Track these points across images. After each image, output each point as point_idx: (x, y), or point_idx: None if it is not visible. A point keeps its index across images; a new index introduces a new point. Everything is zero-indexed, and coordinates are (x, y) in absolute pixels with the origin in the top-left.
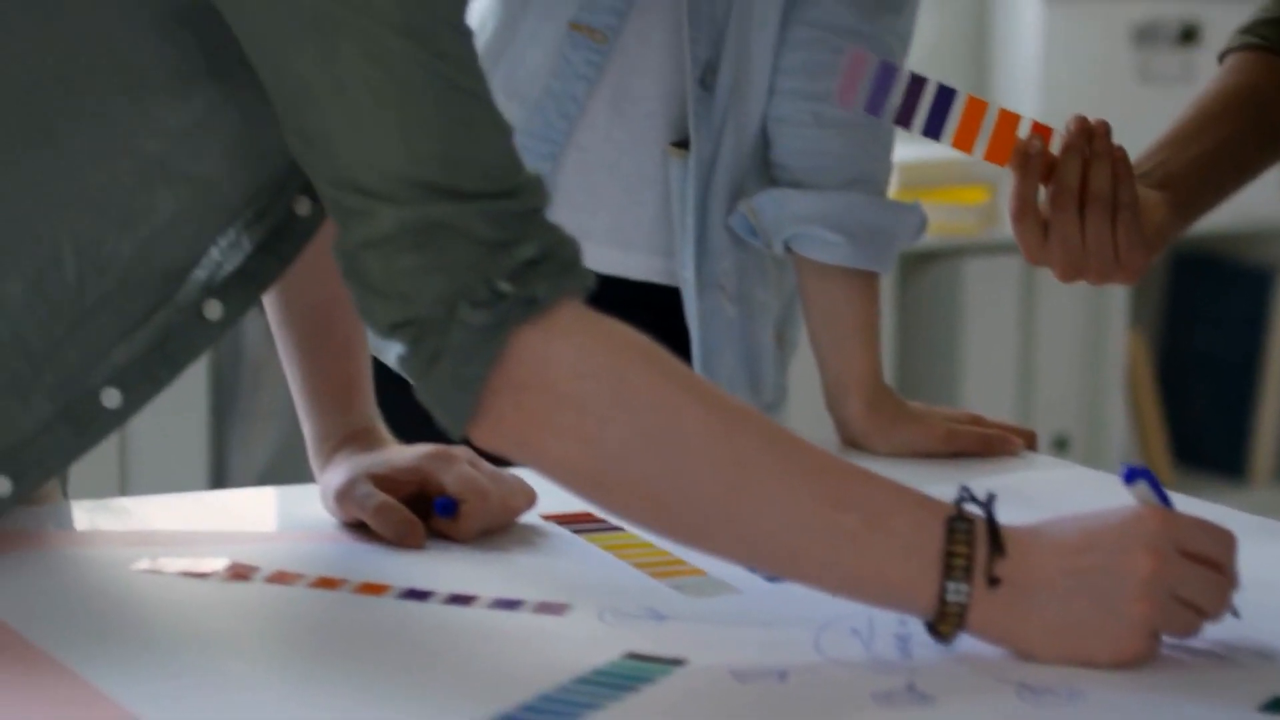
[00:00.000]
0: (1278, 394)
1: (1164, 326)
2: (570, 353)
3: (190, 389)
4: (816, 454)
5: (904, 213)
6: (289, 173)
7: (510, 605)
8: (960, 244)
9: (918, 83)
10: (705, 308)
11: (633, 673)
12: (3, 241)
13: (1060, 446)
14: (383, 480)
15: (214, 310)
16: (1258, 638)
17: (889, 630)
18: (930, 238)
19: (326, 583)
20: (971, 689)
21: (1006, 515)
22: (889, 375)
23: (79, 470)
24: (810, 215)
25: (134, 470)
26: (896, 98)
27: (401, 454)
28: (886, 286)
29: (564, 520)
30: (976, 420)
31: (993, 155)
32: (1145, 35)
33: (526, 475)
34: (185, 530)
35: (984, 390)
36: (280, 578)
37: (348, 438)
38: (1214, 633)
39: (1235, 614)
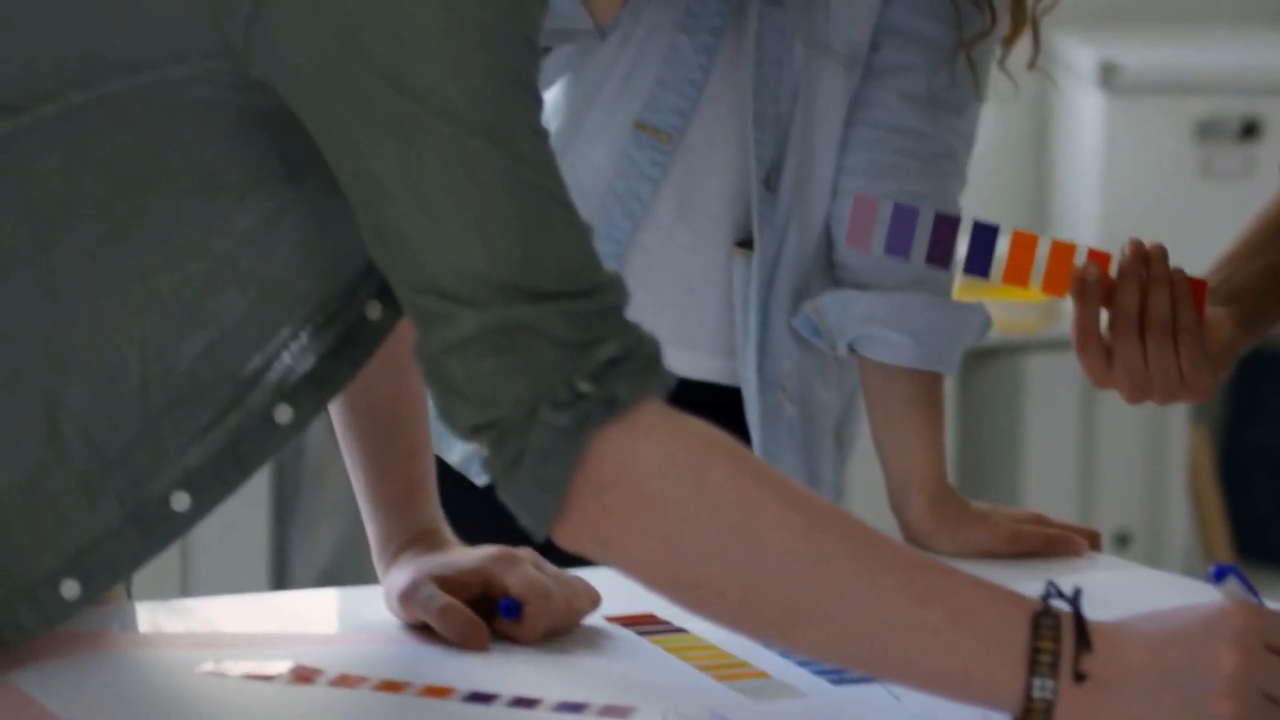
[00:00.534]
0: None
1: (1225, 421)
2: (652, 452)
3: (252, 487)
4: (899, 550)
5: (968, 313)
6: (361, 277)
7: (575, 708)
8: (1021, 340)
9: (948, 222)
10: (766, 408)
11: None
12: (69, 343)
13: (1122, 543)
14: (447, 582)
15: (284, 414)
16: None
17: None
18: (991, 334)
19: (391, 686)
20: None
21: None
22: (950, 471)
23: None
24: (875, 316)
25: (195, 568)
26: (924, 237)
27: (465, 555)
28: (948, 383)
29: (628, 622)
30: (1040, 520)
31: (1049, 287)
32: (1206, 130)
33: (590, 575)
34: (249, 632)
35: (1046, 485)
36: (345, 681)
37: (412, 539)
38: None
39: None
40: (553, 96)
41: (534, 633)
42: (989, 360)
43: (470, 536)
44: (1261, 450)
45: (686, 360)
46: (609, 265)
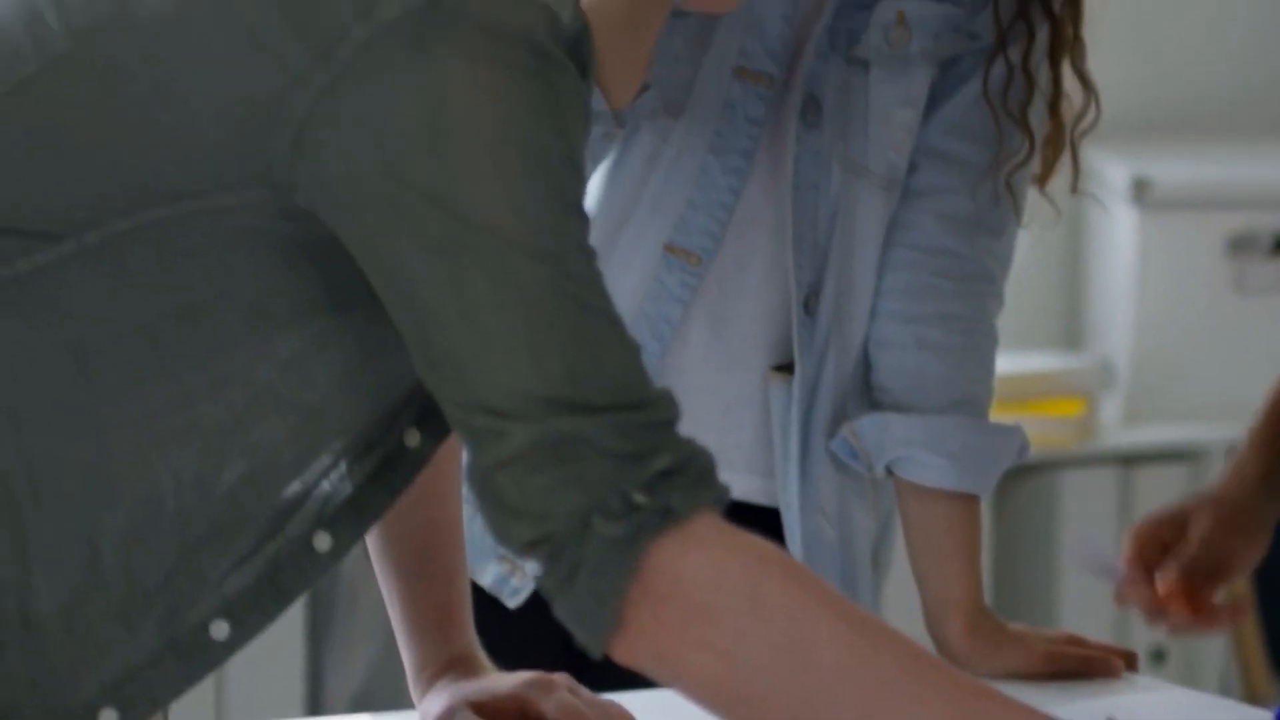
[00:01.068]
0: None
1: None
2: (707, 564)
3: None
4: (953, 674)
5: (1006, 435)
6: (401, 404)
7: None
8: (1057, 456)
9: None
10: (808, 532)
11: None
12: (111, 471)
13: (1157, 659)
14: (483, 708)
15: (323, 542)
16: None
17: None
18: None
19: None
20: None
21: None
22: (986, 587)
23: (180, 697)
24: (913, 439)
25: (230, 691)
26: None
27: (501, 681)
28: (983, 498)
29: None
30: (1076, 641)
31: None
32: (1239, 245)
33: (624, 700)
34: None
35: (1082, 601)
36: None
37: (447, 665)
38: None
39: None
40: None
41: None
42: (1024, 476)
43: (503, 659)
44: None
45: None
46: None
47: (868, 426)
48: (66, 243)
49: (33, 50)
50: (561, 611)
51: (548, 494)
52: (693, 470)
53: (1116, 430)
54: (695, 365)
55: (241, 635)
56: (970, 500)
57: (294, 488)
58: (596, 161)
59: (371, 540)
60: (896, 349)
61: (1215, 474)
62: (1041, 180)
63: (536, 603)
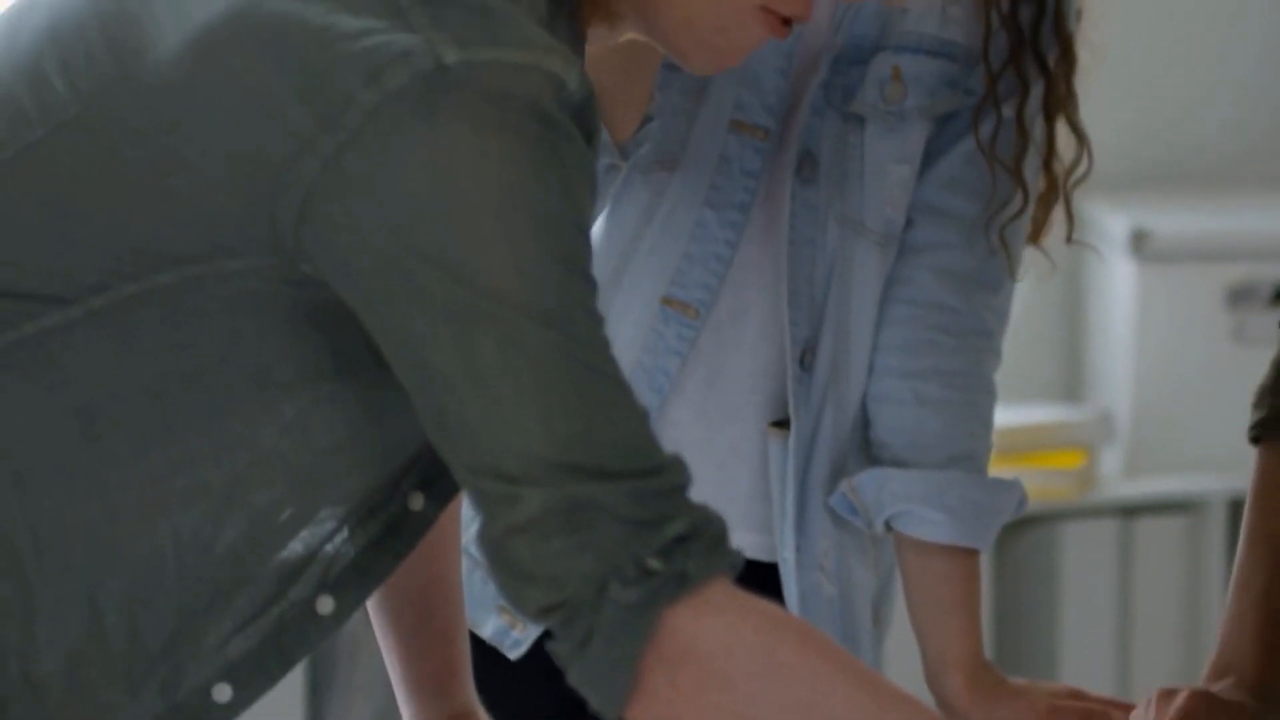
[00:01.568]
0: None
1: None
2: (722, 629)
3: None
4: None
5: (1005, 490)
6: (405, 468)
7: None
8: (1057, 508)
9: None
10: (806, 588)
11: None
12: (115, 533)
13: None
14: None
15: (326, 605)
16: None
17: None
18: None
19: None
20: None
21: None
22: (986, 640)
23: None
24: (912, 494)
25: None
26: None
27: None
28: (983, 552)
29: None
30: (1077, 695)
31: None
32: (1239, 296)
33: None
34: None
35: (1083, 654)
36: None
37: None
38: None
39: None
40: None
41: None
42: (1024, 528)
43: (503, 712)
44: None
45: None
46: None
47: (867, 482)
48: (73, 307)
49: (39, 114)
50: (576, 677)
51: (562, 559)
52: (707, 536)
53: (1117, 482)
54: (691, 420)
55: (244, 698)
56: (970, 555)
57: (297, 550)
58: (602, 193)
59: (371, 598)
60: (895, 405)
61: (1215, 526)
62: (1035, 233)
63: (537, 655)
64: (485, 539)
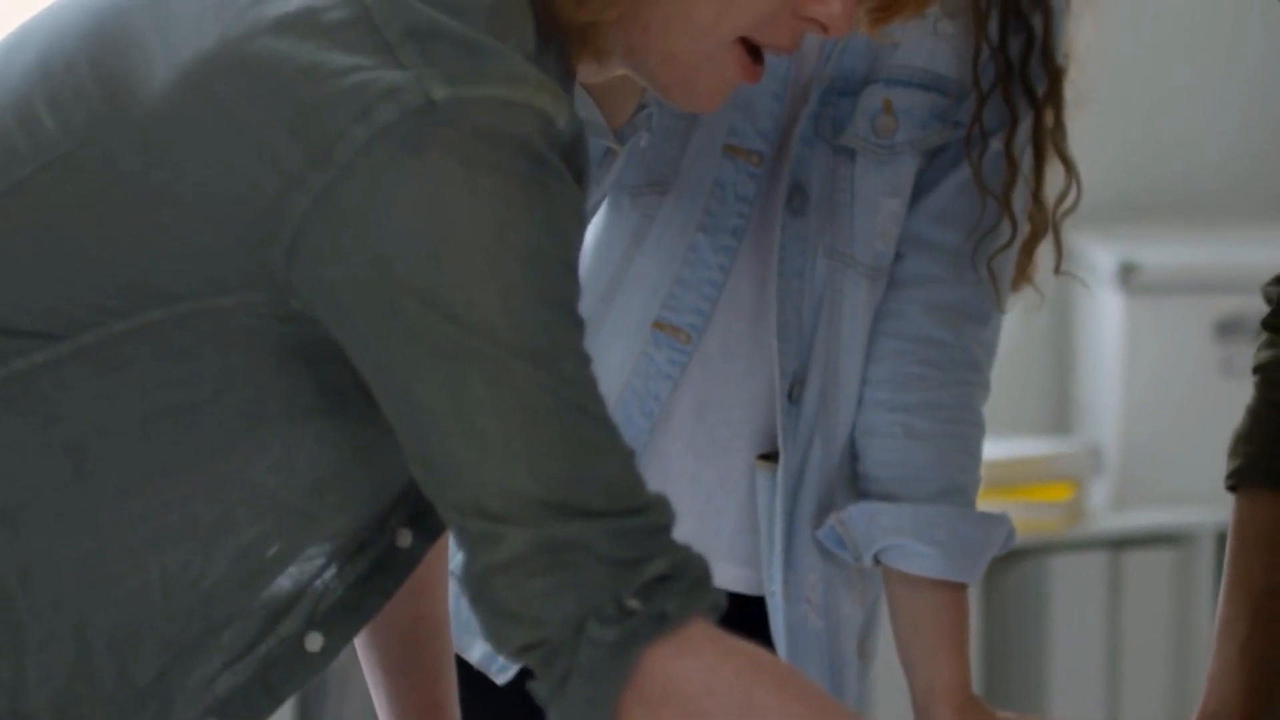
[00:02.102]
0: None
1: None
2: (700, 670)
3: None
4: None
5: (994, 524)
6: (393, 505)
7: None
8: (1045, 541)
9: None
10: (792, 621)
11: None
12: (106, 569)
13: None
14: None
15: (315, 642)
16: None
17: None
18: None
19: None
20: None
21: None
22: (975, 673)
23: None
24: (902, 528)
25: None
26: None
27: None
28: (971, 586)
29: None
30: None
31: None
32: (1227, 329)
33: None
34: None
35: (1072, 687)
36: None
37: None
38: None
39: None
40: None
41: None
42: (1013, 561)
43: None
44: None
45: None
46: None
47: (856, 516)
48: (63, 343)
49: (29, 151)
50: (555, 717)
51: (543, 599)
52: (688, 576)
53: (1105, 514)
54: (679, 452)
55: None
56: (958, 589)
57: (285, 587)
58: (597, 184)
59: (359, 635)
60: (884, 438)
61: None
62: (1023, 268)
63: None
64: (468, 577)
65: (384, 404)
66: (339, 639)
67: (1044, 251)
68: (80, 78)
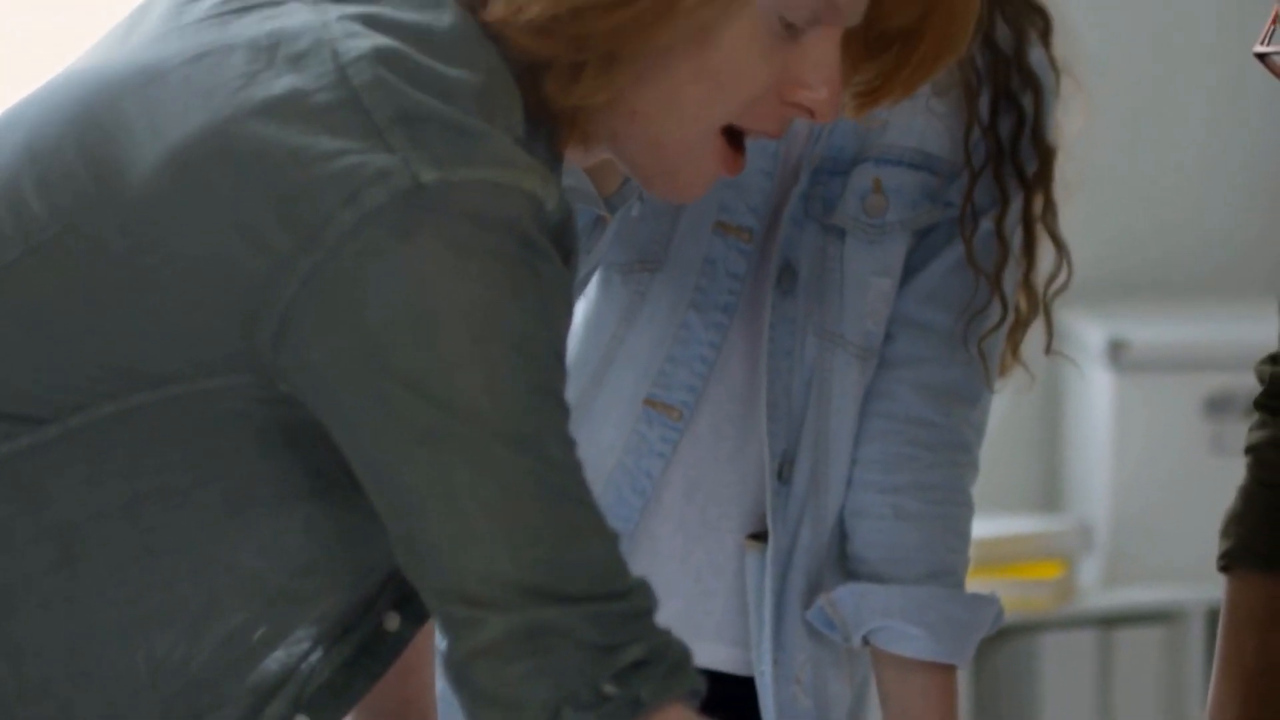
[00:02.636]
0: None
1: None
2: None
3: None
4: None
5: (983, 605)
6: (380, 588)
7: None
8: (1036, 619)
9: None
10: (781, 701)
11: None
12: (93, 653)
13: None
14: None
15: None
16: None
17: None
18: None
19: None
20: None
21: None
22: None
23: None
24: (891, 609)
25: None
26: None
27: None
28: (960, 668)
29: None
30: None
31: None
32: (1216, 406)
33: None
34: None
35: None
36: None
37: None
38: None
39: None
40: None
41: None
42: (1003, 639)
43: None
44: None
45: (694, 649)
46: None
47: (845, 597)
48: (49, 426)
49: (16, 234)
50: None
51: (521, 684)
52: (665, 661)
53: (1096, 592)
54: (670, 533)
55: None
56: (948, 670)
57: (271, 670)
58: (588, 253)
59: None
60: (874, 519)
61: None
62: (1013, 344)
63: None
64: (450, 662)
65: (368, 487)
66: None
67: (1033, 330)
68: (68, 160)
